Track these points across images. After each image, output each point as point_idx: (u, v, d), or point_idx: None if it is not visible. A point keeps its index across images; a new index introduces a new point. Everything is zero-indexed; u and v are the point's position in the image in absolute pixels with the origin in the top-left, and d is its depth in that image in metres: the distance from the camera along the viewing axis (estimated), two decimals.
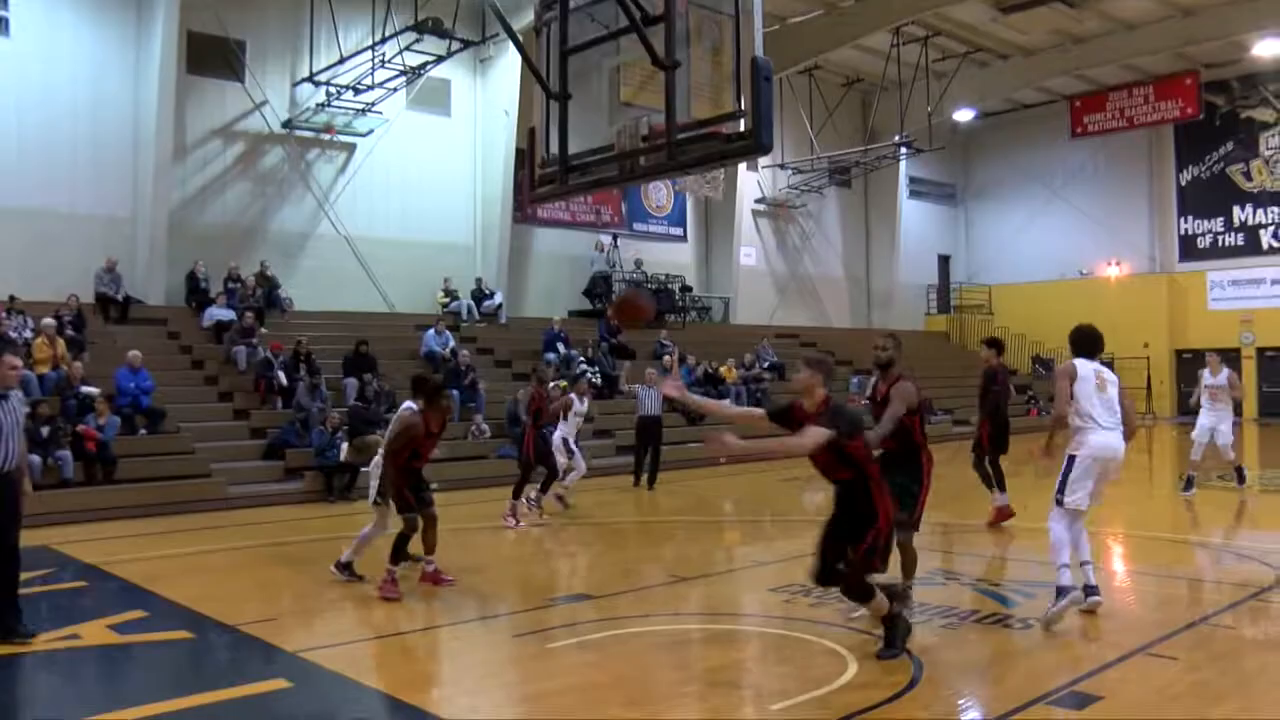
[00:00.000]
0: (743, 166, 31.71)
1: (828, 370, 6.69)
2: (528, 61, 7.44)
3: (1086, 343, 7.83)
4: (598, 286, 28.51)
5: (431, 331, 22.44)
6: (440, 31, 21.20)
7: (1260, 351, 35.42)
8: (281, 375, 18.76)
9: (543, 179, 7.46)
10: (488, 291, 25.68)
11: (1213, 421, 14.40)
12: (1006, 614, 8.06)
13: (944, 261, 41.48)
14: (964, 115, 34.91)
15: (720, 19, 6.47)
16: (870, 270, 38.15)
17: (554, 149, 7.31)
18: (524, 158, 8.19)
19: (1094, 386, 7.65)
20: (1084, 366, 7.74)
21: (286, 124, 23.31)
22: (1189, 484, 14.69)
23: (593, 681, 6.58)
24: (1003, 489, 12.37)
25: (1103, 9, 30.08)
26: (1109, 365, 31.91)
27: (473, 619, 8.39)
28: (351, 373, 19.53)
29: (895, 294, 37.58)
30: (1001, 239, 40.57)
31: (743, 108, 6.26)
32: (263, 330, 20.14)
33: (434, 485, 9.98)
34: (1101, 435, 7.54)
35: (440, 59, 22.59)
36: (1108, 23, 30.96)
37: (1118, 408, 7.69)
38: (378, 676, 6.99)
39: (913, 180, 38.96)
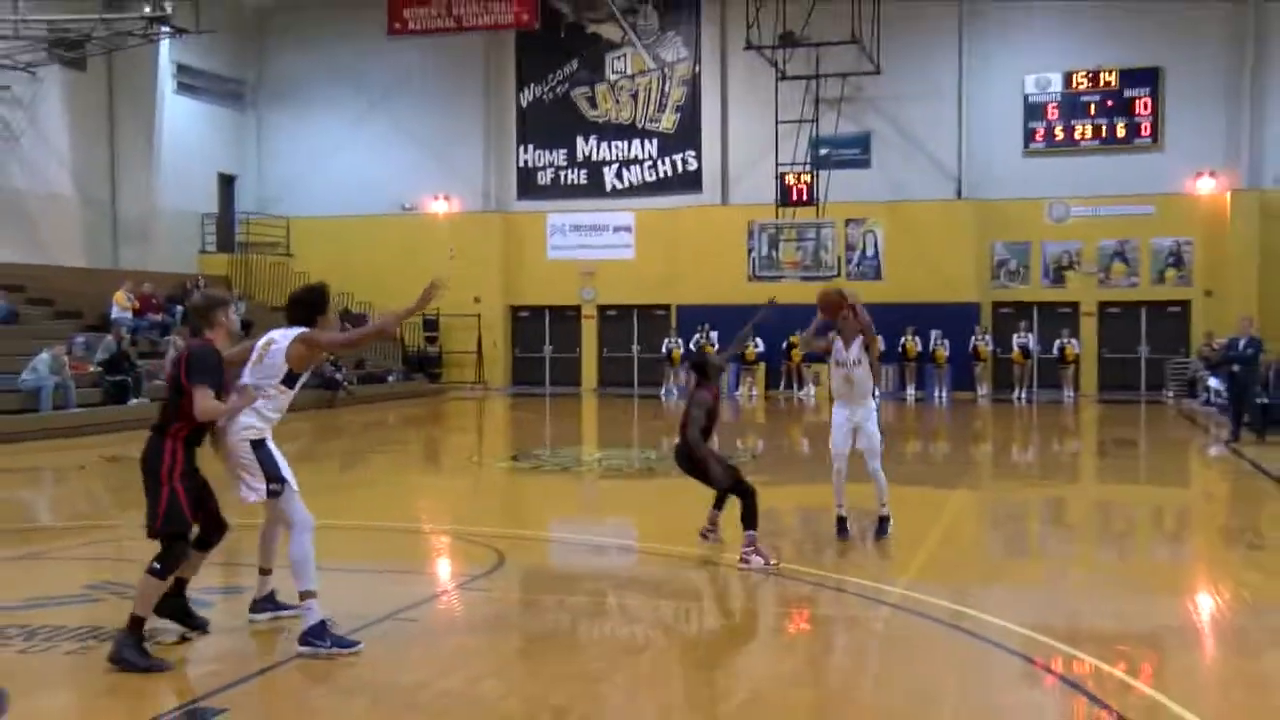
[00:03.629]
0: None
1: None
2: None
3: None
4: None
5: None
6: None
7: (602, 310, 43.17)
8: None
9: None
10: None
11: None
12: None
13: (227, 183, 44.91)
14: None
15: None
16: (118, 191, 40.09)
17: None
18: None
19: None
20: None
21: None
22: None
23: None
24: None
25: None
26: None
27: None
28: None
29: (156, 224, 40.19)
30: (306, 159, 45.03)
31: None
32: None
33: None
34: None
35: None
36: None
37: None
38: None
39: (182, 69, 41.82)
